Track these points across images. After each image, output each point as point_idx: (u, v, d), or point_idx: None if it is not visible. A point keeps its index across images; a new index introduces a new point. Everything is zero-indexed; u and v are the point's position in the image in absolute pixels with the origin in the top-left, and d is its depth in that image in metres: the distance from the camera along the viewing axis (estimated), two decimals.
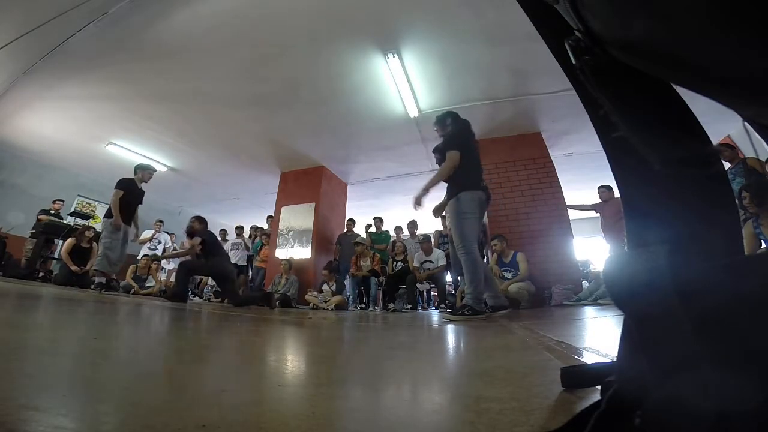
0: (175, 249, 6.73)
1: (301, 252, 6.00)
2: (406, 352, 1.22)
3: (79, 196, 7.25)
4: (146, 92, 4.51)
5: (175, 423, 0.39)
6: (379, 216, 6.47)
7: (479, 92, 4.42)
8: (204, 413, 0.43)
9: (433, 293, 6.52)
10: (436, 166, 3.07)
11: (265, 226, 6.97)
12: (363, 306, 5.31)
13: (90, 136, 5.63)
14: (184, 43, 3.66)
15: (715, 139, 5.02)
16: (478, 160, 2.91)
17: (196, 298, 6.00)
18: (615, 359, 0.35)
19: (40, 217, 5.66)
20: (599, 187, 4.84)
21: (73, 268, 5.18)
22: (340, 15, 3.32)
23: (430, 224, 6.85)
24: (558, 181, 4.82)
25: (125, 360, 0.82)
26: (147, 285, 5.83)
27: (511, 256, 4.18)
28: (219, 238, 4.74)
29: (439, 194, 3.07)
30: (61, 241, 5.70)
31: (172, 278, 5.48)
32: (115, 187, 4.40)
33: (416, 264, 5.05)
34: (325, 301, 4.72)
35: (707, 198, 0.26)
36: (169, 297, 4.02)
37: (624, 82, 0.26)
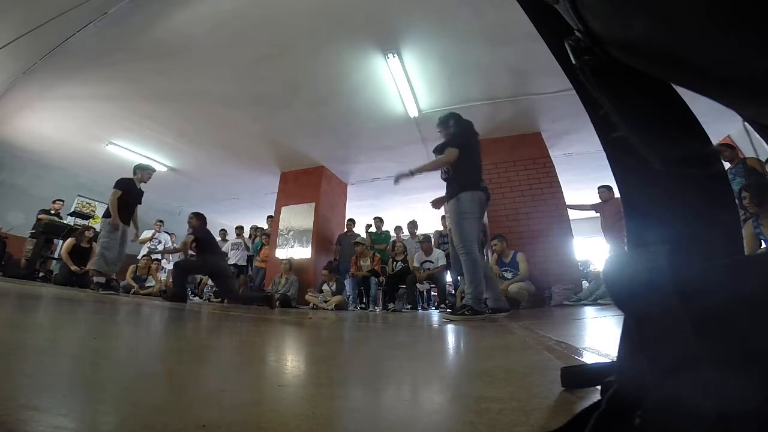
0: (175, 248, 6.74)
1: (301, 252, 6.00)
2: (406, 352, 1.22)
3: (79, 196, 7.25)
4: (146, 92, 4.51)
5: (175, 423, 0.39)
6: (379, 216, 6.47)
7: (479, 92, 4.42)
8: (204, 413, 0.43)
9: (433, 293, 6.52)
10: None
11: (265, 226, 6.97)
12: (363, 306, 5.31)
13: (90, 136, 5.63)
14: (184, 43, 3.66)
15: (715, 139, 5.02)
16: (479, 161, 2.92)
17: (196, 298, 5.99)
18: (615, 359, 0.35)
19: (40, 216, 5.66)
20: (599, 187, 4.84)
21: (73, 268, 5.18)
22: (340, 15, 3.32)
23: (430, 224, 6.86)
24: (558, 181, 4.82)
25: (125, 360, 0.82)
26: (147, 285, 5.83)
27: (511, 256, 4.18)
28: (215, 236, 4.71)
29: (440, 192, 3.07)
30: (61, 241, 5.70)
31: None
32: (114, 187, 4.39)
33: (416, 264, 5.05)
34: (325, 301, 4.72)
35: (707, 198, 0.26)
36: (169, 298, 4.02)
37: (624, 82, 0.26)
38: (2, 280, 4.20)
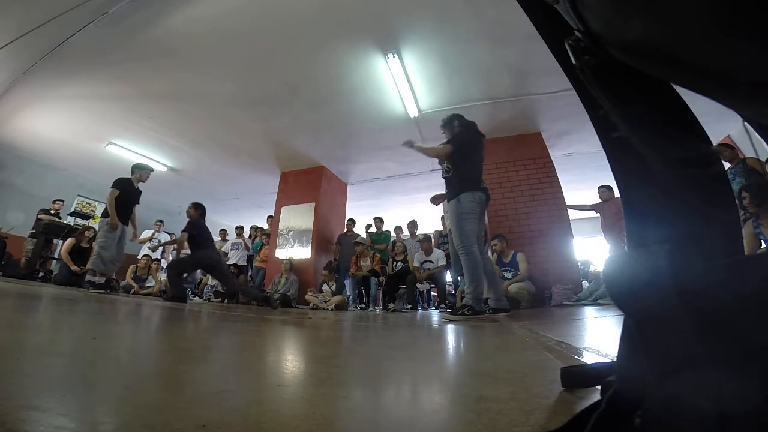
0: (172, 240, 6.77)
1: (301, 252, 6.00)
2: (406, 352, 1.22)
3: (79, 196, 7.25)
4: (146, 92, 4.51)
5: (175, 423, 0.39)
6: (379, 216, 6.47)
7: (479, 92, 4.42)
8: (204, 413, 0.43)
9: (433, 293, 6.52)
10: (437, 167, 3.09)
11: (265, 226, 6.97)
12: (363, 306, 5.31)
13: (90, 136, 5.63)
14: (185, 43, 3.66)
15: (715, 139, 5.02)
16: (480, 162, 2.94)
17: (196, 299, 5.99)
18: (615, 359, 0.35)
19: (40, 216, 5.66)
20: (599, 187, 4.84)
21: (73, 268, 5.18)
22: (340, 15, 3.32)
23: (430, 224, 6.87)
24: (558, 181, 4.82)
25: (125, 360, 0.82)
26: (147, 285, 5.83)
27: (511, 256, 4.18)
28: (214, 234, 4.70)
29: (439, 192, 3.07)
30: (61, 241, 5.70)
31: None
32: (112, 187, 4.39)
33: (416, 264, 5.05)
34: (325, 301, 4.72)
35: (707, 198, 0.26)
36: (169, 299, 4.01)
37: (624, 82, 0.26)
38: (2, 280, 4.20)
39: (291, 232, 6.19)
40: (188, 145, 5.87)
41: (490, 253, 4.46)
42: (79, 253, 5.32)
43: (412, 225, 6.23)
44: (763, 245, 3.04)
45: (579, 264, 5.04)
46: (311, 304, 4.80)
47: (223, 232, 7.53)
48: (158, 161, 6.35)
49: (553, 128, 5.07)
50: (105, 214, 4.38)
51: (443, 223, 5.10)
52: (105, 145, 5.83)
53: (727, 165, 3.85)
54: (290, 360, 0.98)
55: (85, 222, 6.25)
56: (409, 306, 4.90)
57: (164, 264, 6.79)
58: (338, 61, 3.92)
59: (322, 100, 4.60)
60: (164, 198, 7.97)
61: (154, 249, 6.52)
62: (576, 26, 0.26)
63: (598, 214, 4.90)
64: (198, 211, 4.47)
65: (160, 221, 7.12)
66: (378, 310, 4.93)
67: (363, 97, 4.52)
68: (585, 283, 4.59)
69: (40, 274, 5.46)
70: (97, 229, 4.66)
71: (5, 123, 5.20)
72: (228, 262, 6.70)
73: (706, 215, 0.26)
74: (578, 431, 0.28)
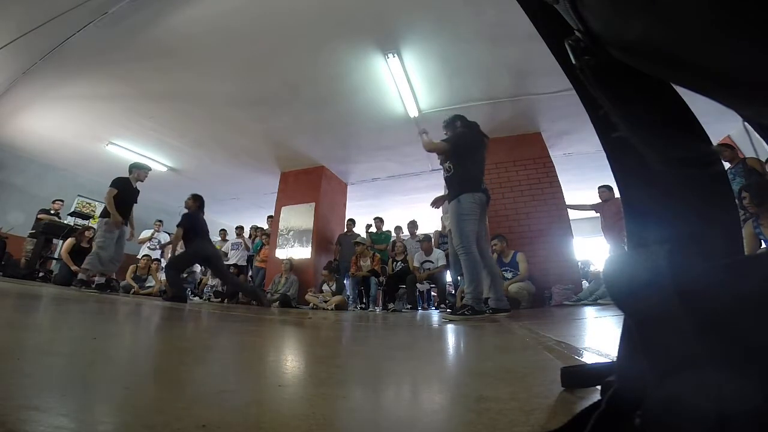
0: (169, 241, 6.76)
1: (301, 252, 6.00)
2: (405, 352, 1.22)
3: (79, 196, 7.25)
4: (146, 92, 4.51)
5: (175, 423, 0.39)
6: (379, 216, 6.47)
7: (479, 92, 4.42)
8: (204, 413, 0.43)
9: (433, 293, 6.52)
10: (437, 167, 3.10)
11: (265, 226, 6.97)
12: (363, 306, 5.31)
13: (90, 136, 5.63)
14: (185, 43, 3.66)
15: (715, 139, 5.02)
16: (482, 163, 2.96)
17: (196, 299, 5.99)
18: (615, 359, 0.35)
19: (40, 216, 5.66)
20: (599, 187, 4.84)
21: (73, 268, 5.18)
22: (340, 15, 3.32)
23: (430, 224, 6.87)
24: (558, 181, 4.82)
25: (125, 360, 0.82)
26: (147, 285, 5.83)
27: (511, 256, 4.18)
28: (215, 231, 4.67)
29: (439, 192, 3.07)
30: (61, 241, 5.70)
31: None
32: (110, 186, 4.38)
33: (416, 264, 5.05)
34: (325, 301, 4.72)
35: (707, 198, 0.26)
36: (169, 299, 4.01)
37: (624, 82, 0.26)
38: (2, 280, 4.20)
39: (291, 232, 6.19)
40: (188, 145, 5.87)
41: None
42: (79, 253, 5.31)
43: (412, 225, 6.22)
44: (763, 245, 3.04)
45: (579, 264, 5.04)
46: (311, 304, 4.80)
47: (223, 232, 7.53)
48: (158, 161, 6.35)
49: (553, 128, 5.07)
50: (104, 214, 4.37)
51: (442, 224, 5.09)
52: (105, 145, 5.83)
53: (727, 165, 3.85)
54: (290, 360, 0.98)
55: (85, 222, 6.25)
56: (409, 306, 4.90)
57: (164, 264, 6.80)
58: (338, 61, 3.92)
59: (322, 100, 4.60)
60: (164, 198, 7.96)
61: (161, 248, 6.52)
62: (576, 26, 0.26)
63: (598, 214, 4.90)
64: (197, 203, 4.47)
65: (160, 221, 7.12)
66: (378, 310, 4.93)
67: (363, 97, 4.52)
68: (585, 283, 4.59)
69: (40, 274, 5.46)
70: (96, 229, 4.66)
71: (5, 123, 5.20)
72: (228, 262, 6.70)
73: (706, 215, 0.26)
74: (578, 431, 0.28)
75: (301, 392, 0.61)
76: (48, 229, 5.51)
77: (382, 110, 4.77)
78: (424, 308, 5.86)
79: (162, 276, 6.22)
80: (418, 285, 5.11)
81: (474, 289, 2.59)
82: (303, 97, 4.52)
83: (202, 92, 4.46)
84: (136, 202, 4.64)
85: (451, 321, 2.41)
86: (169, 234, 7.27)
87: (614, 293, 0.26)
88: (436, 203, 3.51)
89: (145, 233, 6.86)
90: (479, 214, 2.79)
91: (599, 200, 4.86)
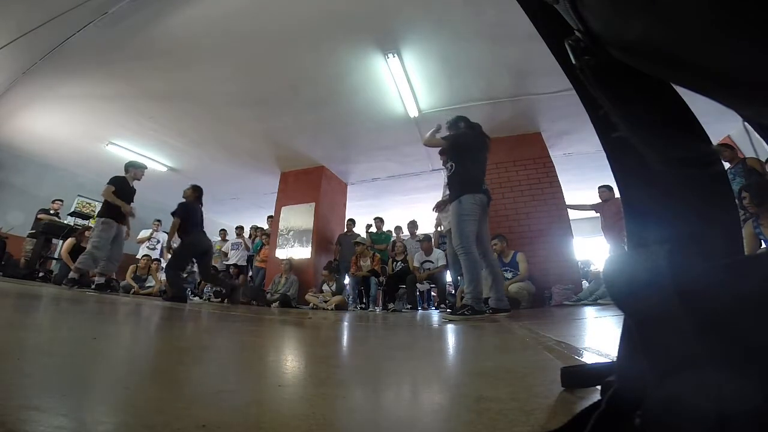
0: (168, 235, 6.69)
1: (301, 252, 6.00)
2: (405, 352, 1.22)
3: (79, 196, 7.25)
4: (146, 92, 4.51)
5: (175, 423, 0.39)
6: (379, 216, 6.47)
7: (479, 92, 4.42)
8: (204, 413, 0.43)
9: (433, 293, 6.52)
10: (437, 167, 3.11)
11: (265, 226, 6.97)
12: (363, 306, 5.31)
13: (90, 136, 5.63)
14: (185, 43, 3.66)
15: (715, 139, 5.02)
16: (483, 164, 2.98)
17: (196, 299, 6.00)
18: (615, 359, 0.35)
19: (40, 216, 5.65)
20: (599, 187, 4.84)
21: (73, 268, 5.17)
22: (340, 15, 3.32)
23: (430, 224, 6.86)
24: (558, 181, 4.82)
25: (125, 360, 0.82)
26: (147, 285, 5.83)
27: (511, 256, 4.18)
28: (203, 213, 4.61)
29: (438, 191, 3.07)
30: (60, 241, 5.70)
31: None
32: (108, 183, 4.37)
33: (416, 264, 5.05)
34: (325, 301, 4.72)
35: (707, 198, 0.26)
36: (168, 300, 4.01)
37: (624, 82, 0.26)
38: (2, 280, 4.20)
39: (291, 232, 6.19)
40: (188, 145, 5.87)
41: None
42: (79, 253, 5.29)
43: (412, 225, 6.22)
44: (763, 245, 3.04)
45: (579, 264, 5.04)
46: (311, 304, 4.80)
47: (223, 232, 7.53)
48: (158, 161, 6.35)
49: (553, 128, 5.07)
50: (101, 214, 4.35)
51: (439, 223, 5.03)
52: (105, 145, 5.83)
53: (727, 165, 3.85)
54: (290, 360, 0.98)
55: (85, 222, 6.24)
56: (409, 306, 4.90)
57: (164, 264, 6.79)
58: (338, 61, 3.92)
59: (322, 100, 4.60)
60: (164, 198, 7.94)
61: (167, 248, 6.45)
62: (576, 26, 0.26)
63: (598, 214, 4.90)
64: (196, 193, 4.46)
65: (158, 221, 7.11)
66: (378, 310, 4.93)
67: (363, 97, 4.51)
68: (585, 283, 4.59)
69: (40, 274, 5.46)
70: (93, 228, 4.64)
71: (5, 123, 5.20)
72: (228, 262, 6.71)
73: (706, 215, 0.26)
74: (578, 431, 0.28)
75: (301, 392, 0.61)
76: (48, 229, 5.50)
77: (382, 110, 4.77)
78: (424, 308, 5.86)
79: (162, 276, 6.23)
80: (418, 285, 5.11)
81: (474, 289, 2.59)
82: (303, 97, 4.52)
83: (202, 92, 4.46)
84: (132, 201, 4.63)
85: (451, 321, 2.41)
86: (167, 233, 7.27)
87: (614, 293, 0.26)
88: (439, 207, 3.52)
89: (144, 233, 6.85)
90: (480, 215, 2.80)
91: (599, 200, 4.86)
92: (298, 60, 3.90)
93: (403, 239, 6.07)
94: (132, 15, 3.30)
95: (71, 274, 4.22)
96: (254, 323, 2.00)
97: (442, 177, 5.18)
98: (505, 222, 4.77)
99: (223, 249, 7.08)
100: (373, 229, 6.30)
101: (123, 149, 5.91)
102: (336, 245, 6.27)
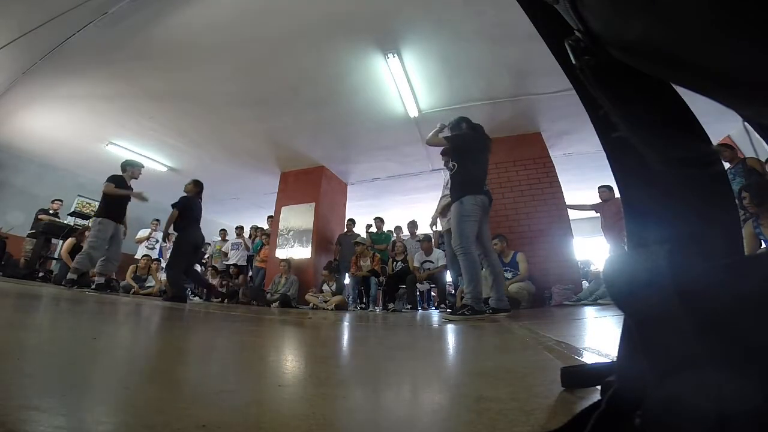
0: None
1: (301, 252, 6.00)
2: (405, 352, 1.22)
3: (79, 196, 7.25)
4: (147, 92, 4.51)
5: (175, 423, 0.39)
6: (379, 216, 6.47)
7: (479, 92, 4.42)
8: (204, 413, 0.43)
9: (433, 293, 6.52)
10: (437, 167, 3.13)
11: (265, 226, 6.97)
12: (363, 306, 5.31)
13: (90, 136, 5.63)
14: (185, 43, 3.66)
15: (715, 139, 5.02)
16: (484, 165, 3.00)
17: (196, 299, 5.99)
18: (615, 359, 0.35)
19: (40, 216, 5.65)
20: (599, 187, 4.84)
21: (71, 268, 5.17)
22: (340, 15, 3.32)
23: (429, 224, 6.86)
24: (558, 181, 4.82)
25: (125, 360, 0.82)
26: (147, 285, 5.83)
27: (511, 256, 4.18)
28: (202, 208, 4.63)
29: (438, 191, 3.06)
30: (60, 241, 5.70)
31: None
32: (107, 181, 4.37)
33: (416, 264, 5.05)
34: (325, 301, 4.72)
35: (707, 198, 0.26)
36: (168, 300, 4.01)
37: (624, 82, 0.26)
38: (2, 280, 4.20)
39: (291, 232, 6.19)
40: (188, 145, 5.87)
41: None
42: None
43: (412, 225, 6.22)
44: (763, 245, 3.04)
45: (579, 264, 5.04)
46: (311, 304, 4.80)
47: (223, 232, 7.52)
48: (158, 161, 6.35)
49: (553, 128, 5.07)
50: (98, 214, 4.34)
51: (434, 222, 4.94)
52: (105, 145, 5.83)
53: (727, 165, 3.85)
54: (290, 360, 0.98)
55: (85, 222, 6.24)
56: (409, 306, 4.90)
57: (164, 264, 6.79)
58: (338, 61, 3.92)
59: (322, 100, 4.59)
60: (164, 198, 7.94)
61: (165, 236, 6.33)
62: (576, 26, 0.26)
63: (598, 214, 4.90)
64: (197, 188, 4.49)
65: (157, 220, 7.10)
66: (378, 310, 4.93)
67: (363, 97, 4.51)
68: (585, 283, 4.59)
69: (40, 274, 5.46)
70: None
71: (5, 123, 5.20)
72: (228, 262, 6.71)
73: (706, 215, 0.26)
74: (578, 431, 0.28)
75: (301, 392, 0.61)
76: (48, 229, 5.50)
77: (382, 110, 4.76)
78: (424, 308, 5.86)
79: (162, 276, 6.23)
80: (418, 285, 5.10)
81: (473, 288, 2.60)
82: (303, 97, 4.52)
83: (202, 92, 4.46)
84: (129, 200, 4.62)
85: (451, 321, 2.41)
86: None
87: (614, 293, 0.26)
88: (443, 212, 3.56)
89: (143, 232, 6.85)
90: (480, 216, 2.81)
91: (599, 200, 4.86)
92: (298, 60, 3.90)
93: (403, 239, 6.07)
94: (132, 15, 3.30)
95: (70, 275, 4.22)
96: (254, 323, 2.00)
97: (442, 177, 5.16)
98: (505, 222, 4.77)
99: (223, 249, 7.08)
100: (373, 229, 6.30)
101: (123, 149, 5.91)
102: (336, 245, 6.27)
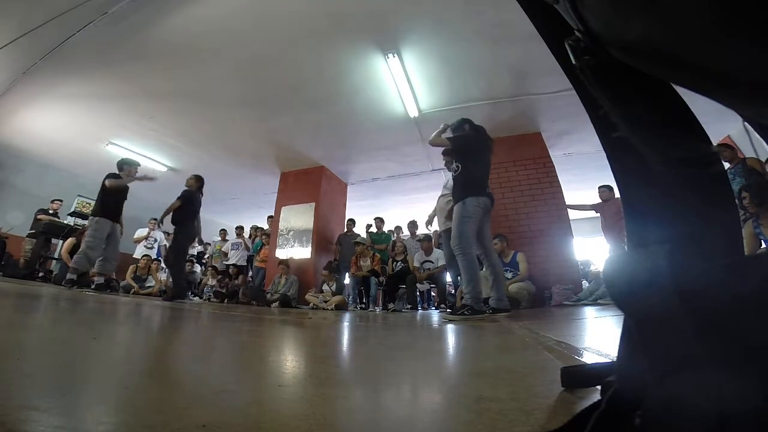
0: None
1: (301, 252, 6.00)
2: (405, 352, 1.22)
3: (79, 196, 7.24)
4: (147, 92, 4.51)
5: (175, 423, 0.39)
6: (380, 216, 6.47)
7: (479, 92, 4.42)
8: (204, 413, 0.43)
9: (433, 293, 6.52)
10: (437, 167, 3.13)
11: (265, 226, 6.97)
12: (363, 306, 5.31)
13: (90, 136, 5.63)
14: (185, 43, 3.66)
15: (715, 139, 5.02)
16: (487, 167, 3.01)
17: (196, 299, 6.00)
18: (615, 359, 0.35)
19: (40, 216, 5.65)
20: (599, 187, 4.84)
21: (70, 268, 5.16)
22: (340, 15, 3.32)
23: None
24: (558, 181, 4.82)
25: (125, 360, 0.82)
26: (147, 285, 5.83)
27: (511, 256, 4.18)
28: (201, 204, 4.71)
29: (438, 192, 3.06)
30: (60, 241, 5.69)
31: None
32: (105, 179, 4.37)
33: (416, 264, 5.05)
34: (325, 301, 4.72)
35: (707, 198, 0.26)
36: (168, 300, 4.01)
37: (624, 82, 0.26)
38: (2, 280, 4.20)
39: (291, 232, 6.19)
40: (188, 145, 5.87)
41: None
42: None
43: (412, 225, 6.22)
44: (763, 245, 3.04)
45: (579, 264, 5.04)
46: (311, 304, 4.80)
47: (223, 232, 7.52)
48: (158, 161, 6.35)
49: (553, 128, 5.07)
50: (95, 213, 4.34)
51: (430, 221, 4.91)
52: (105, 145, 5.83)
53: (727, 165, 3.85)
54: (290, 360, 0.98)
55: (85, 222, 6.23)
56: (409, 306, 4.90)
57: (164, 264, 6.78)
58: (338, 61, 3.91)
59: (322, 100, 4.59)
60: (164, 197, 7.94)
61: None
62: (576, 26, 0.26)
63: (598, 214, 4.90)
64: (198, 182, 4.53)
65: (154, 219, 7.08)
66: (378, 310, 4.93)
67: (363, 97, 4.51)
68: (585, 283, 4.59)
69: (40, 274, 5.46)
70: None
71: (5, 123, 5.20)
72: (228, 262, 6.71)
73: (706, 215, 0.26)
74: (578, 431, 0.28)
75: (301, 392, 0.61)
76: (48, 229, 5.50)
77: (382, 110, 4.76)
78: (424, 308, 5.86)
79: (162, 276, 6.23)
80: (418, 285, 5.10)
81: (473, 289, 2.60)
82: (303, 97, 4.52)
83: (202, 92, 4.46)
84: (126, 198, 4.61)
85: (450, 321, 2.41)
86: (165, 233, 7.25)
87: (614, 293, 0.26)
88: (430, 222, 3.57)
89: (141, 232, 6.84)
90: (482, 217, 2.82)
91: (599, 200, 4.86)
92: (298, 60, 3.90)
93: (403, 239, 6.07)
94: (132, 15, 3.30)
95: (69, 275, 4.22)
96: (254, 323, 2.00)
97: (442, 177, 5.16)
98: (505, 222, 4.77)
99: (223, 249, 7.08)
100: (373, 229, 6.30)
101: (123, 149, 5.90)
102: (336, 245, 6.27)
